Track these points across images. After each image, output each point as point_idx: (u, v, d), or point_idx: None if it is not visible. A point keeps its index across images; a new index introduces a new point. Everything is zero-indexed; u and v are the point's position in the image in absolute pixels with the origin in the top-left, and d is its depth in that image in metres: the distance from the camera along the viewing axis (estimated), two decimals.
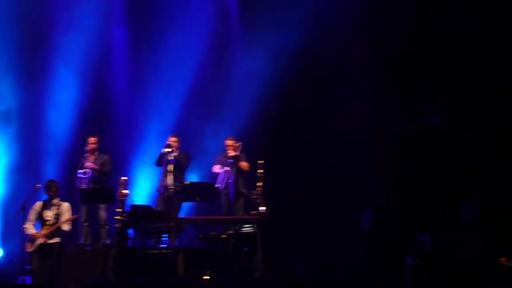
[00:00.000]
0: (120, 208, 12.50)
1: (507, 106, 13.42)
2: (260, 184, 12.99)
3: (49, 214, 12.69)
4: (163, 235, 12.96)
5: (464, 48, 13.84)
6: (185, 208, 14.29)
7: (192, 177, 14.52)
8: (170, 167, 13.66)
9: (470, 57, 13.81)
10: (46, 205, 12.79)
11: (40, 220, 12.72)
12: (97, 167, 13.74)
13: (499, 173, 13.17)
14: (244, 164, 13.70)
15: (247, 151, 13.89)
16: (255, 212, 12.86)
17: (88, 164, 13.76)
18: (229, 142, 13.87)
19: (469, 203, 13.08)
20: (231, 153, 13.74)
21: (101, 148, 14.04)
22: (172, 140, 13.87)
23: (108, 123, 15.88)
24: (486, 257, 12.45)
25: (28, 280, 12.50)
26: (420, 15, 14.53)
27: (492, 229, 12.66)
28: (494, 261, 12.35)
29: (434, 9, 14.33)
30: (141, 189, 15.15)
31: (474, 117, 13.70)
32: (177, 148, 13.89)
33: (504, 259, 12.49)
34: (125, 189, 12.63)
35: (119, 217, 12.39)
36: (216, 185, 13.62)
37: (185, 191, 13.54)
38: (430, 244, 12.99)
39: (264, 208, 12.82)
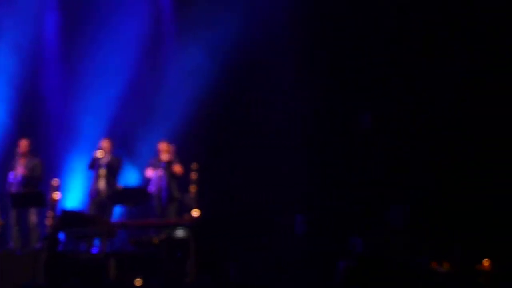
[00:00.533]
0: (51, 212, 12.35)
1: (436, 112, 13.60)
2: (193, 187, 12.94)
3: None
4: (95, 240, 12.82)
5: (393, 54, 13.97)
6: (118, 212, 14.16)
7: (125, 181, 14.40)
8: (102, 171, 13.56)
9: (401, 62, 13.95)
10: None
11: None
12: (27, 172, 13.54)
13: (428, 178, 13.34)
14: (177, 168, 13.63)
15: (181, 154, 13.82)
16: (188, 216, 12.81)
17: (19, 168, 13.57)
18: (162, 146, 13.79)
19: (399, 207, 13.24)
20: (164, 156, 13.66)
21: (32, 151, 13.83)
22: (104, 143, 13.75)
23: (40, 125, 15.64)
24: (416, 261, 12.63)
25: None
26: (354, 19, 14.61)
27: (422, 234, 12.85)
28: (425, 265, 12.53)
29: (365, 14, 14.41)
30: (73, 192, 14.96)
31: (404, 122, 13.85)
32: (110, 152, 13.77)
33: (435, 263, 12.66)
34: (57, 192, 12.49)
35: (50, 221, 12.24)
36: (148, 189, 13.54)
37: (117, 195, 13.44)
38: (362, 248, 13.12)
39: (197, 212, 12.77)
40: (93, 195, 13.65)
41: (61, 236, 12.34)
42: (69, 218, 12.50)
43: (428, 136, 13.65)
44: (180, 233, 12.59)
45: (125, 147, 14.87)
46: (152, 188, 13.56)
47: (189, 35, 15.41)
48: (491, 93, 13.09)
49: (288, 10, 14.79)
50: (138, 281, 11.79)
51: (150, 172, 13.71)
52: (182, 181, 13.59)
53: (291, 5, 14.78)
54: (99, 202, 13.59)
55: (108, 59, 15.50)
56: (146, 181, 13.76)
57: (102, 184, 13.54)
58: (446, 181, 13.28)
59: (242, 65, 14.95)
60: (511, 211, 12.75)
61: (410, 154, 13.59)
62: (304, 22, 14.74)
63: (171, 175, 13.61)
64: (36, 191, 13.35)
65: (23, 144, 13.71)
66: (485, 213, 12.82)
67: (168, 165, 13.60)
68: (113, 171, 13.67)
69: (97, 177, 13.58)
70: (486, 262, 11.56)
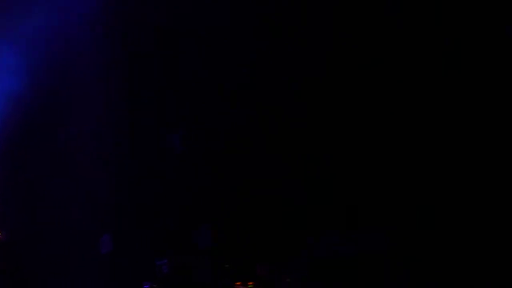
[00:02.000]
0: None
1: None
2: None
3: None
4: None
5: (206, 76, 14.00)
6: None
7: None
8: None
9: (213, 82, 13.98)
10: None
11: None
12: None
13: (233, 200, 13.47)
14: None
15: None
16: None
17: None
18: None
19: (203, 228, 13.32)
20: None
21: None
22: None
23: None
24: (221, 282, 12.78)
25: None
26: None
27: (225, 255, 13.00)
28: (230, 286, 12.69)
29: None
30: None
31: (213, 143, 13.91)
32: None
33: (240, 283, 12.86)
34: None
35: None
36: None
37: None
38: (168, 269, 13.11)
39: None
40: None
41: None
42: None
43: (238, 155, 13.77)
44: None
45: None
46: None
47: None
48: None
49: (90, 24, 14.41)
50: None
51: None
52: None
53: (92, 19, 14.40)
54: None
55: None
56: None
57: None
58: (252, 202, 13.45)
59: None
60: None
61: (218, 173, 13.68)
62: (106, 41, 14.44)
63: None
64: None
65: None
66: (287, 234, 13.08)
67: None
68: None
69: None
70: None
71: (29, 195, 14.32)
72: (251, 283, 12.85)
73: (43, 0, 14.02)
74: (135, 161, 14.29)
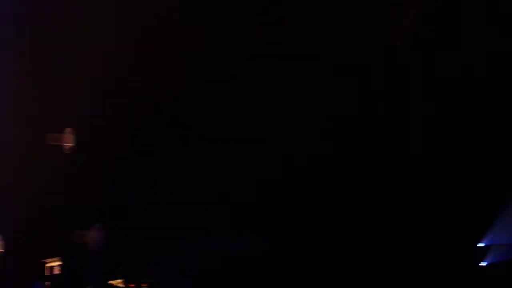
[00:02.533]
0: None
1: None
2: None
3: None
4: None
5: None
6: None
7: None
8: None
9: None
10: None
11: None
12: None
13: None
14: None
15: None
16: None
17: None
18: None
19: (94, 229, 12.92)
20: None
21: None
22: None
23: None
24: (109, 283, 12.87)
25: None
26: None
27: (117, 256, 12.87)
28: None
29: None
30: None
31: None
32: None
33: (134, 285, 13.02)
34: None
35: None
36: None
37: None
38: (59, 270, 12.97)
39: None
40: None
41: None
42: None
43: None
44: None
45: None
46: None
47: None
48: None
49: None
50: None
51: None
52: None
53: None
54: None
55: None
56: None
57: None
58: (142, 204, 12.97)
59: None
60: None
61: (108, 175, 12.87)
62: None
63: None
64: None
65: None
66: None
67: None
68: None
69: None
70: None
71: None
72: (144, 285, 13.00)
73: None
74: (24, 158, 13.02)
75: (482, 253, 10.18)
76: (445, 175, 10.11)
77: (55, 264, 12.95)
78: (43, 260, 12.98)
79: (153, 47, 12.13)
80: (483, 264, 9.98)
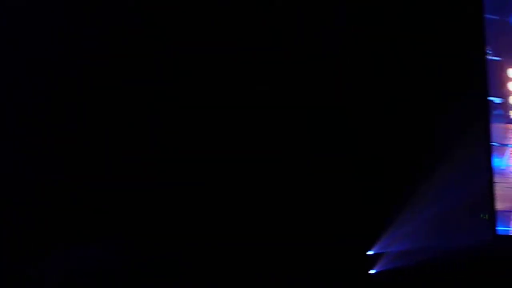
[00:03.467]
0: None
1: None
2: None
3: None
4: None
5: None
6: None
7: None
8: None
9: None
10: None
11: None
12: None
13: None
14: None
15: None
16: None
17: None
18: None
19: None
20: None
21: None
22: None
23: None
24: None
25: None
26: None
27: None
28: None
29: None
30: None
31: None
32: None
33: None
34: None
35: None
36: None
37: None
38: None
39: None
40: None
41: None
42: None
43: None
44: None
45: None
46: None
47: None
48: None
49: None
50: None
51: None
52: None
53: None
54: None
55: None
56: None
57: None
58: None
59: None
60: None
61: None
62: None
63: None
64: None
65: None
66: None
67: None
68: None
69: None
70: None
71: None
72: None
73: None
74: None
75: (371, 261, 9.60)
76: (331, 180, 9.34)
77: None
78: None
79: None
80: (372, 272, 9.42)
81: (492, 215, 8.73)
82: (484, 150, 8.81)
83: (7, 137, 10.47)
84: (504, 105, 8.68)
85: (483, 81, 8.81)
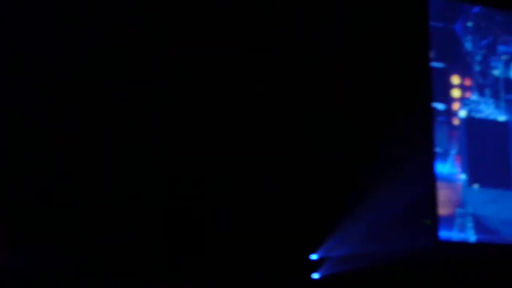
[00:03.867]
0: None
1: None
2: None
3: None
4: None
5: None
6: None
7: None
8: None
9: None
10: None
11: None
12: None
13: None
14: None
15: None
16: None
17: None
18: None
19: None
20: None
21: None
22: None
23: None
24: None
25: None
26: None
27: None
28: None
29: None
30: None
31: None
32: None
33: None
34: None
35: None
36: None
37: None
38: None
39: None
40: None
41: None
42: None
43: None
44: None
45: None
46: None
47: None
48: None
49: None
50: None
51: None
52: None
53: None
54: None
55: None
56: None
57: None
58: None
59: None
60: None
61: None
62: None
63: None
64: None
65: None
66: None
67: None
68: None
69: None
70: None
71: None
72: None
73: None
74: None
75: (314, 265, 9.50)
76: (276, 182, 9.23)
77: None
78: None
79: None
80: (315, 276, 9.32)
81: (435, 221, 8.74)
82: (428, 156, 8.82)
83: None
84: (448, 112, 8.70)
85: (427, 88, 8.81)
